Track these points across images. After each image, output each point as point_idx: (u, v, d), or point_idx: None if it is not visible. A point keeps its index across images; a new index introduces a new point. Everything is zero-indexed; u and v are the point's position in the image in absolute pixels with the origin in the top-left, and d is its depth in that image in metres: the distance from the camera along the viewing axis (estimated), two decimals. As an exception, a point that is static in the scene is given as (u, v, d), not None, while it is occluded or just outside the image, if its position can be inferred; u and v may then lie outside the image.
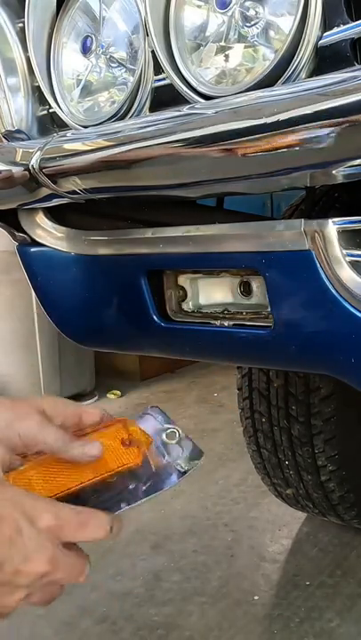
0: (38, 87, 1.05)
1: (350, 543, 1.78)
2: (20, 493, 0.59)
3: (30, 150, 0.94)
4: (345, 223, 0.76)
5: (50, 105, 1.05)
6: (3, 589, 0.55)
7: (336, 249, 0.76)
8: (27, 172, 0.94)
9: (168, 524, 1.97)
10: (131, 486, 0.67)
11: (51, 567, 0.57)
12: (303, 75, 0.74)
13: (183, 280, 0.99)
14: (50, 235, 1.09)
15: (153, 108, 0.92)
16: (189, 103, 0.84)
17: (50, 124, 1.09)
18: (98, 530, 0.61)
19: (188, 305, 1.01)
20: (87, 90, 1.02)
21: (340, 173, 0.71)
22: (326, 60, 0.73)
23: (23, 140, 1.07)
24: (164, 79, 0.90)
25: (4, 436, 0.66)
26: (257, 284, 0.90)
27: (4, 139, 1.08)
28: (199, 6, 0.86)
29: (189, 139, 0.74)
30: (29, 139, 1.08)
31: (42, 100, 1.07)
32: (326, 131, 0.64)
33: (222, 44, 0.84)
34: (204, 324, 0.96)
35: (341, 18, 0.71)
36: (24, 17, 1.01)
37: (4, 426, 0.66)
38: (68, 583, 0.61)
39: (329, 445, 1.53)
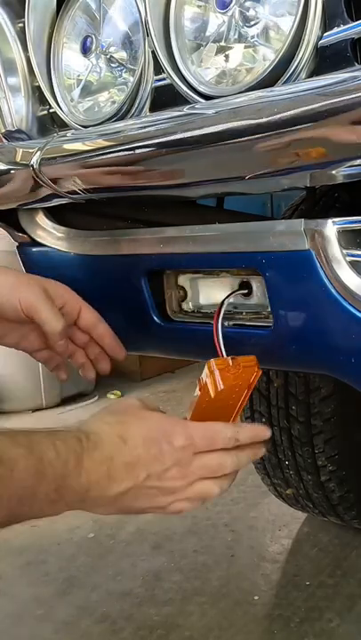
0: (38, 87, 1.05)
1: (350, 543, 1.78)
2: (161, 417, 0.76)
3: (30, 150, 0.94)
4: (345, 223, 0.76)
5: (50, 105, 1.05)
6: (152, 493, 0.73)
7: (336, 249, 0.75)
8: (27, 172, 0.94)
9: (168, 524, 1.97)
10: None
11: (185, 480, 0.74)
12: (303, 75, 0.74)
13: (183, 280, 0.99)
14: (50, 235, 1.09)
15: (153, 108, 0.92)
16: (189, 103, 0.84)
17: (50, 123, 1.09)
18: (223, 437, 0.76)
19: (188, 305, 1.01)
20: (87, 90, 1.02)
21: (340, 173, 0.71)
22: (326, 59, 0.73)
23: (23, 140, 1.07)
24: (164, 79, 0.90)
25: (6, 299, 0.83)
26: (257, 284, 0.90)
27: (4, 139, 1.08)
28: (199, 6, 0.86)
29: (189, 139, 0.74)
30: (29, 139, 1.08)
31: (42, 100, 1.07)
32: (326, 131, 0.64)
33: (222, 44, 0.84)
34: (204, 324, 0.96)
35: (341, 18, 0.71)
36: (24, 17, 1.01)
37: (8, 289, 0.84)
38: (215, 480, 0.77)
39: (329, 445, 1.53)
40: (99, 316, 0.96)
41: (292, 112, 0.65)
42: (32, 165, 0.92)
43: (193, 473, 0.75)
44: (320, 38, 0.73)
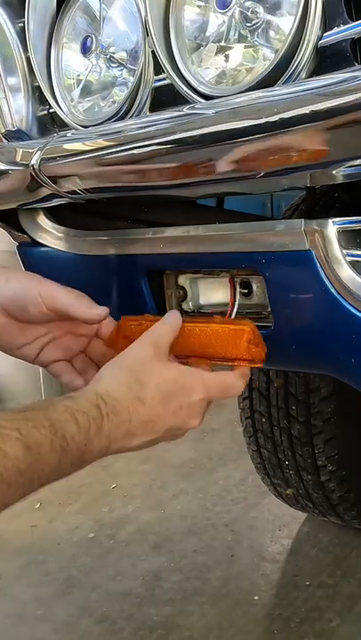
0: (38, 87, 1.05)
1: (350, 543, 1.78)
2: (179, 372, 0.80)
3: (30, 150, 0.94)
4: (345, 223, 0.76)
5: (50, 105, 1.04)
6: (171, 435, 0.79)
7: (336, 249, 0.76)
8: (27, 172, 0.94)
9: (168, 524, 1.97)
10: None
11: (201, 422, 0.81)
12: (303, 75, 0.74)
13: (183, 280, 0.99)
14: (50, 235, 1.09)
15: (153, 108, 0.92)
16: (189, 103, 0.84)
17: (50, 123, 1.09)
18: (236, 391, 0.84)
19: (188, 305, 1.01)
20: (87, 90, 1.02)
21: (340, 173, 0.71)
22: (326, 59, 0.73)
23: (23, 139, 1.07)
24: (164, 79, 0.90)
25: (28, 294, 0.87)
26: (257, 284, 0.90)
27: (4, 139, 1.08)
28: (199, 6, 0.86)
29: (189, 139, 0.74)
30: (29, 139, 1.08)
31: (42, 100, 1.07)
32: (326, 131, 0.64)
33: (222, 44, 0.84)
34: (204, 324, 0.96)
35: (341, 18, 0.71)
36: (24, 17, 1.01)
37: (29, 285, 0.87)
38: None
39: (329, 445, 1.53)
40: (114, 321, 0.94)
41: (292, 112, 0.65)
42: (32, 165, 0.92)
43: (203, 416, 0.82)
44: (320, 38, 0.73)
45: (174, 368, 0.80)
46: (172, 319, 0.84)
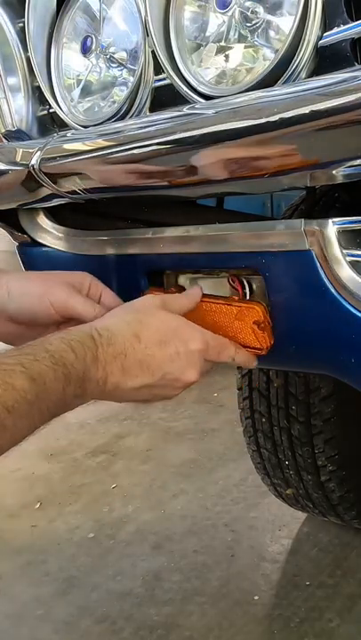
0: (38, 87, 1.05)
1: (350, 543, 1.78)
2: (180, 322, 0.81)
3: (30, 150, 0.94)
4: (345, 223, 0.76)
5: (50, 105, 1.05)
6: (166, 388, 0.80)
7: (336, 249, 0.76)
8: (27, 172, 0.94)
9: (168, 524, 1.97)
10: None
11: (199, 377, 0.81)
12: (303, 75, 0.74)
13: (183, 280, 0.99)
14: (50, 235, 1.09)
15: (153, 108, 0.92)
16: (189, 103, 0.84)
17: (50, 123, 1.09)
18: (228, 356, 0.85)
19: (188, 305, 1.00)
20: (87, 90, 1.02)
21: (340, 173, 0.71)
22: (326, 59, 0.73)
23: (23, 139, 1.07)
24: (164, 79, 0.90)
25: (39, 307, 0.87)
26: (257, 284, 0.90)
27: (4, 139, 1.08)
28: (199, 6, 0.86)
29: (189, 139, 0.74)
30: (29, 139, 1.08)
31: (42, 100, 1.07)
32: (326, 131, 0.64)
33: (222, 44, 0.84)
34: (204, 324, 0.96)
35: (341, 18, 0.71)
36: (24, 17, 1.01)
37: (36, 297, 0.87)
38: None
39: (329, 445, 1.53)
40: (119, 299, 0.95)
41: (292, 112, 0.65)
42: (32, 165, 0.92)
43: (200, 373, 0.82)
44: (320, 38, 0.73)
45: (177, 318, 0.82)
46: (193, 292, 0.89)
